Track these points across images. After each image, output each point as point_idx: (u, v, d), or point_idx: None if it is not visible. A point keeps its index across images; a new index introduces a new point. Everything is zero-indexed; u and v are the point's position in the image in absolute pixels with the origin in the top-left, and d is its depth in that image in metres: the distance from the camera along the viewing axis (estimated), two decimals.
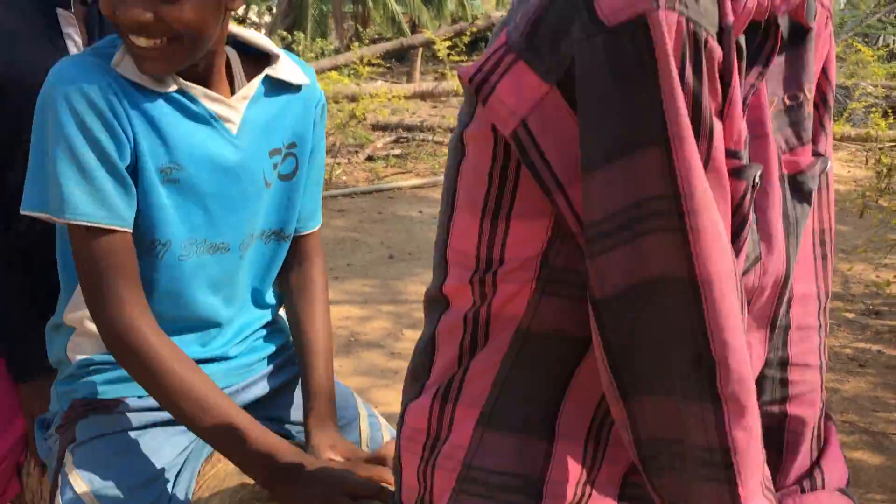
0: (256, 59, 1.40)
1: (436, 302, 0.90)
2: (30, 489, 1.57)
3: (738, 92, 0.72)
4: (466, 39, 13.30)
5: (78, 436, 1.34)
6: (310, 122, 1.46)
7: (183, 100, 1.28)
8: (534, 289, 0.81)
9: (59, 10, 1.48)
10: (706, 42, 0.67)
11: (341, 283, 5.76)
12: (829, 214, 1.00)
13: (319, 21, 22.96)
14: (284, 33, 16.27)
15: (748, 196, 0.75)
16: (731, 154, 0.73)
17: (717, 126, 0.70)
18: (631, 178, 0.70)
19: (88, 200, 1.20)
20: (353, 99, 10.06)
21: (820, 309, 1.01)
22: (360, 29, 21.94)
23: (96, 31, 1.51)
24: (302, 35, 16.30)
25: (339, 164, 10.19)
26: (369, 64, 10.07)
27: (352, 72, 9.92)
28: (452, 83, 13.16)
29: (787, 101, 0.87)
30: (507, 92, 0.74)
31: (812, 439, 1.01)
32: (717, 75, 0.69)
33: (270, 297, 1.55)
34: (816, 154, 0.91)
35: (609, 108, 0.69)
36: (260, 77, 1.36)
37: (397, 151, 11.56)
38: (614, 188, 0.71)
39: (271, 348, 1.54)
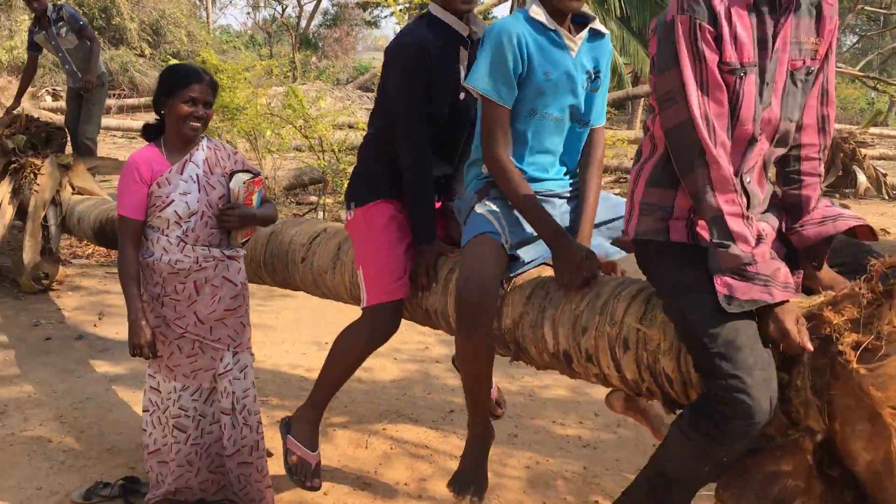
0: (584, 20, 2.55)
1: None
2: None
3: (727, 36, 1.81)
4: None
5: (491, 194, 2.57)
6: (605, 58, 2.60)
7: (555, 36, 2.48)
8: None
9: (460, 49, 2.74)
10: (700, 25, 1.80)
11: None
12: (828, 95, 2.06)
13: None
14: None
15: (736, 80, 1.85)
16: (726, 64, 1.85)
17: (711, 56, 1.81)
18: (669, 80, 1.86)
19: (491, 86, 2.41)
20: None
21: (821, 148, 2.10)
22: None
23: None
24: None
25: None
26: None
27: None
28: None
29: (804, 40, 1.96)
30: (651, 47, 2.01)
31: (814, 206, 2.09)
32: (707, 36, 1.82)
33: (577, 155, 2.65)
34: (809, 67, 1.99)
35: (662, 48, 1.87)
36: (587, 27, 2.55)
37: (616, 190, 12.66)
38: (663, 82, 1.87)
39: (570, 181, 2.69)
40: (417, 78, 2.66)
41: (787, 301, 1.79)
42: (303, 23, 39.64)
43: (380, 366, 4.92)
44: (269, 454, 3.66)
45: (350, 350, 2.86)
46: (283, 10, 40.13)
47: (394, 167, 2.80)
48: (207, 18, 33.14)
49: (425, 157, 2.71)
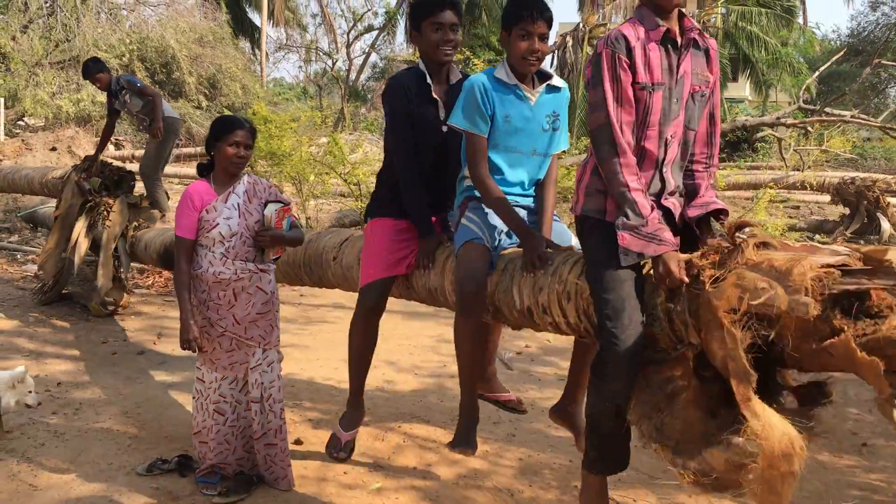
0: (543, 75, 3.25)
1: None
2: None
3: (640, 62, 2.53)
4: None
5: (469, 206, 3.28)
6: (563, 104, 3.31)
7: (516, 90, 3.18)
8: None
9: (432, 86, 3.47)
10: (618, 56, 2.55)
11: None
12: (714, 117, 2.77)
13: (585, 122, 24.55)
14: None
15: (647, 95, 2.56)
16: (639, 84, 2.56)
17: (625, 79, 2.52)
18: (596, 94, 2.61)
19: (467, 121, 3.13)
20: None
21: (708, 155, 2.77)
22: None
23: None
24: (569, 134, 17.63)
25: None
26: None
27: None
28: None
29: (699, 71, 2.68)
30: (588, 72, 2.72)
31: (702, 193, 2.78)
32: (623, 65, 2.53)
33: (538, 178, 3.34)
34: (703, 91, 2.70)
35: (593, 71, 2.63)
36: (545, 83, 3.24)
37: None
38: (592, 95, 2.63)
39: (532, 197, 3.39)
40: (400, 110, 3.45)
41: (671, 251, 2.50)
42: (352, 76, 41.16)
43: (401, 379, 5.58)
44: (300, 442, 4.32)
45: (354, 329, 3.61)
46: (334, 64, 41.74)
47: (397, 191, 3.54)
48: (261, 72, 34.60)
49: (413, 174, 3.47)
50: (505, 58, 3.20)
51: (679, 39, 2.62)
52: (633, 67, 2.54)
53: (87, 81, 7.92)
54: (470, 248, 3.15)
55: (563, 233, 3.37)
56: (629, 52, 2.54)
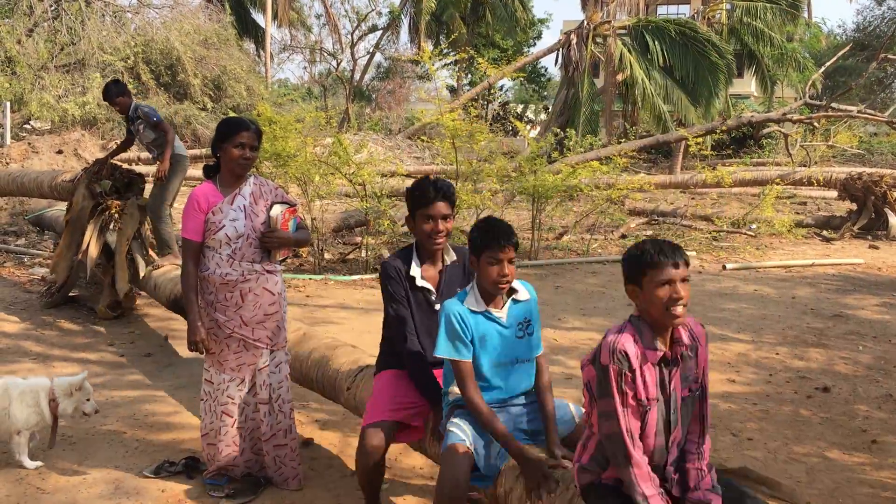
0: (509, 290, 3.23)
1: None
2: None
3: (639, 382, 2.68)
4: (716, 137, 14.46)
5: (455, 413, 3.30)
6: (532, 311, 3.29)
7: (488, 313, 3.24)
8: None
9: (420, 271, 3.53)
10: (624, 374, 2.63)
11: (588, 317, 7.48)
12: (704, 395, 2.87)
13: (590, 119, 24.38)
14: (557, 130, 17.56)
15: (644, 411, 2.68)
16: (637, 400, 2.68)
17: (630, 393, 2.65)
18: (606, 404, 2.68)
19: (450, 350, 3.17)
20: (610, 186, 11.46)
21: (699, 434, 2.88)
22: (628, 126, 23.52)
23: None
24: (573, 132, 17.46)
25: (595, 239, 11.93)
26: (627, 156, 11.59)
27: (612, 162, 11.40)
28: (704, 175, 14.58)
29: (689, 374, 2.78)
30: (586, 375, 2.79)
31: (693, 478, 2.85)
32: (628, 380, 2.65)
33: (529, 383, 3.35)
34: (693, 391, 2.81)
35: (601, 382, 2.69)
36: (510, 299, 3.24)
37: (649, 232, 13.14)
38: (603, 405, 2.69)
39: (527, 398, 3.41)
40: (397, 293, 3.53)
41: None
42: (357, 76, 41.18)
43: None
44: (309, 442, 4.32)
45: (357, 466, 3.53)
46: (338, 65, 41.75)
47: (394, 349, 3.62)
48: (266, 73, 34.61)
49: (413, 345, 3.53)
50: (474, 284, 3.26)
51: (670, 355, 2.77)
52: (633, 383, 2.71)
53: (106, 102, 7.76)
54: (453, 450, 3.13)
55: (566, 419, 3.35)
56: (632, 370, 2.70)
